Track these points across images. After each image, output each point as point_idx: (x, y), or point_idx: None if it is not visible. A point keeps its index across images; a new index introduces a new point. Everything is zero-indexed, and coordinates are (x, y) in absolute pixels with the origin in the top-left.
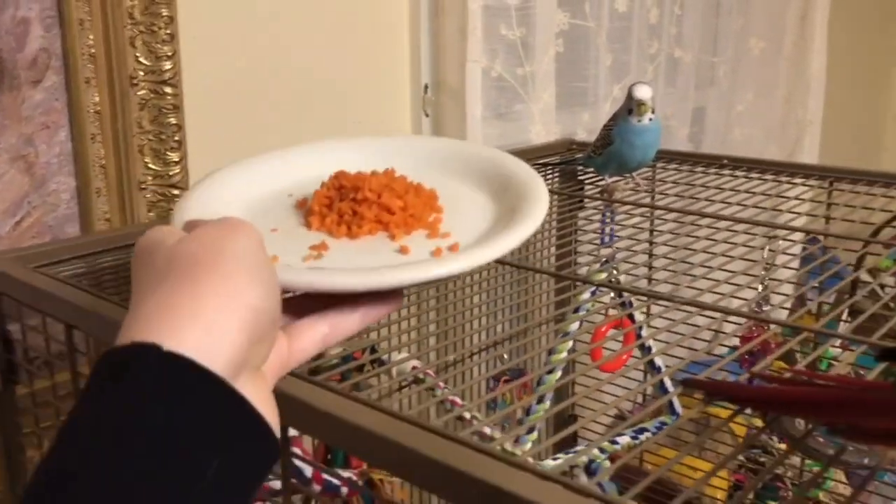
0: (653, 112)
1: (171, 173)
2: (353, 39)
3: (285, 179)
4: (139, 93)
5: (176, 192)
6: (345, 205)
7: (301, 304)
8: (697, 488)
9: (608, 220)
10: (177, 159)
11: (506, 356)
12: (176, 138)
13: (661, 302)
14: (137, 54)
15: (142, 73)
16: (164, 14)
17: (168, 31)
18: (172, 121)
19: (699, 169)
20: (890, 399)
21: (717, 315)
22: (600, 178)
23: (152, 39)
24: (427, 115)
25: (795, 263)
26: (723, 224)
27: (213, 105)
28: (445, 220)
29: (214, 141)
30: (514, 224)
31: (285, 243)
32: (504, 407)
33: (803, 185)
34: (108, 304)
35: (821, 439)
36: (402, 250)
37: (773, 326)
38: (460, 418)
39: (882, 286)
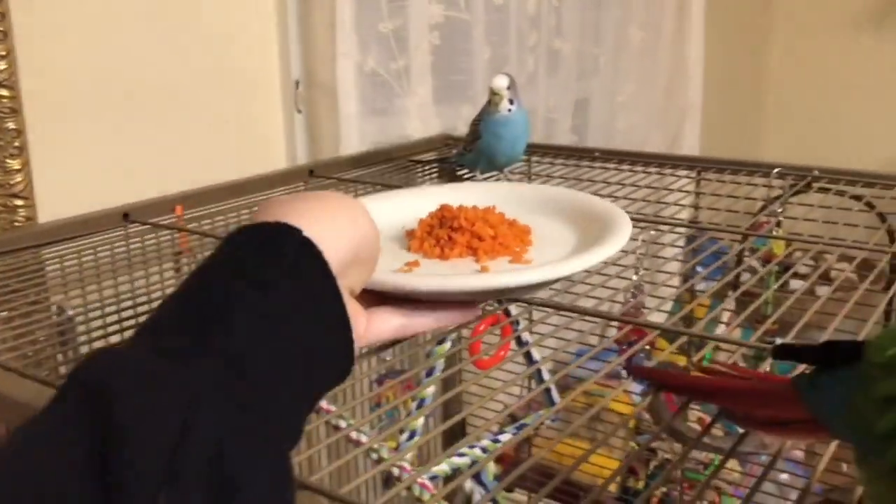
0: (511, 102)
1: (11, 182)
2: (215, 33)
3: (404, 214)
4: None
5: (19, 202)
6: (442, 231)
7: (385, 298)
8: (571, 470)
9: None
10: (18, 167)
11: (387, 358)
12: (16, 144)
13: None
14: None
15: None
16: None
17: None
18: (11, 125)
19: (572, 162)
20: (785, 392)
21: (591, 307)
22: (474, 174)
23: None
24: (300, 112)
25: (672, 251)
26: None
27: (58, 107)
28: (532, 250)
29: (62, 146)
30: (585, 251)
31: (386, 258)
32: (388, 411)
33: (672, 175)
34: None
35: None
36: (483, 270)
37: (646, 312)
38: (336, 427)
39: (764, 264)
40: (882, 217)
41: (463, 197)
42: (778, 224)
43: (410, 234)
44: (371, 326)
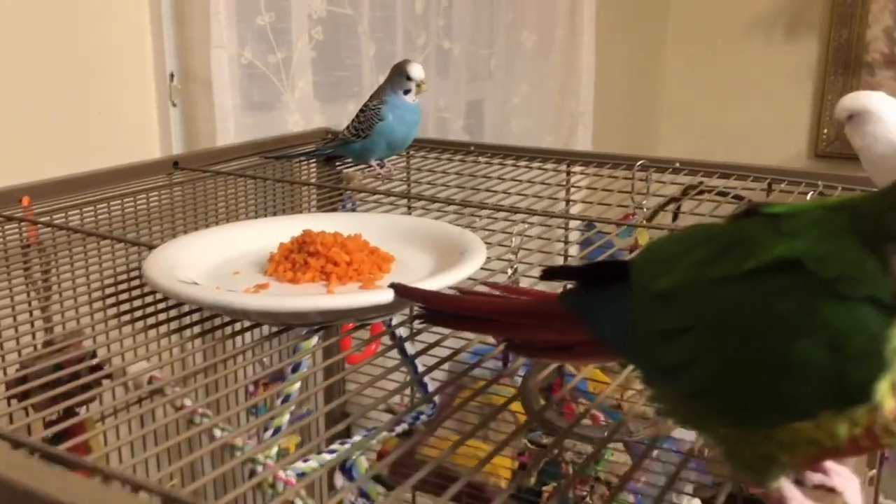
0: None
1: None
2: (83, 21)
3: (274, 239)
4: None
5: None
6: (299, 256)
7: None
8: (441, 459)
9: (349, 209)
10: None
11: (265, 360)
12: None
13: None
14: None
15: None
16: None
17: None
18: None
19: (446, 157)
20: (555, 310)
21: None
22: (359, 164)
23: None
24: (175, 105)
25: (558, 245)
26: (485, 212)
27: None
28: (387, 277)
29: None
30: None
31: (238, 282)
32: (265, 412)
33: (540, 168)
34: None
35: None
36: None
37: None
38: (191, 421)
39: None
40: (739, 199)
41: (333, 225)
42: (674, 216)
43: (272, 258)
44: None
